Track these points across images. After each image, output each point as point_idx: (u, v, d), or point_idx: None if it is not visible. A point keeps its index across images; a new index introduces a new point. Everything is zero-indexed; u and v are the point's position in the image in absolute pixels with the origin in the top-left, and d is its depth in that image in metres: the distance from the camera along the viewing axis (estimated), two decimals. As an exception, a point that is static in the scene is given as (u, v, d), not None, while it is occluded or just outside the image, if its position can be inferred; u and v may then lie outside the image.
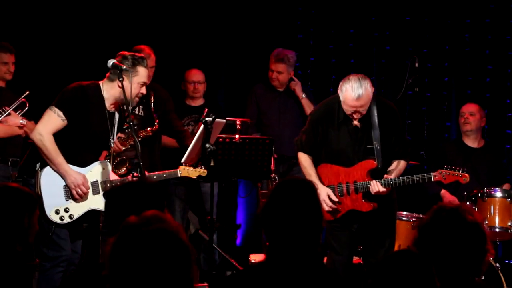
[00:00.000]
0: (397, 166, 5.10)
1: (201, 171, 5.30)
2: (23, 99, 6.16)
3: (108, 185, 4.85)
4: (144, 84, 4.79)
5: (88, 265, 5.31)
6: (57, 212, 4.68)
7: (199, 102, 6.88)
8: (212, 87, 7.37)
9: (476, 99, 7.30)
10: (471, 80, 7.69)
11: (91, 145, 4.80)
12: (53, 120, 4.68)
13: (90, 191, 4.79)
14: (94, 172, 4.83)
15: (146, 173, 5.02)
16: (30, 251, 5.43)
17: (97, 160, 4.87)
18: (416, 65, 6.15)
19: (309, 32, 7.89)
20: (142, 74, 4.77)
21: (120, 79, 4.73)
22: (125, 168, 5.10)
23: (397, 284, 2.57)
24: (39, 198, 4.63)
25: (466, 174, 5.10)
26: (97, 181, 4.83)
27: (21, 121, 6.06)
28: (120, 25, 7.22)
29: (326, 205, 4.99)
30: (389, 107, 5.13)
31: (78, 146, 4.76)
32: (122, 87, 4.71)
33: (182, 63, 7.30)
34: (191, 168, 5.27)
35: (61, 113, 4.67)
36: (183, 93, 6.93)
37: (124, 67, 4.75)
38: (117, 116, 4.91)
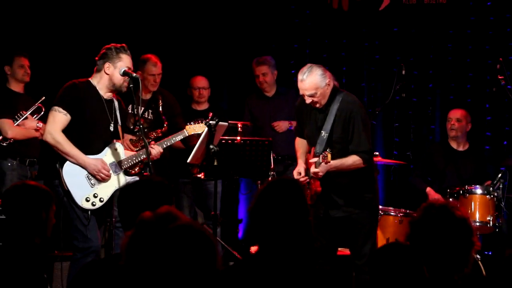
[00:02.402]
0: (343, 158, 4.80)
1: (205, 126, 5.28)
2: (39, 104, 6.19)
3: (126, 162, 4.87)
4: (128, 69, 4.79)
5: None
6: (87, 200, 4.69)
7: (204, 106, 6.87)
8: (216, 93, 7.36)
9: (458, 104, 7.30)
10: (454, 86, 7.69)
11: (97, 132, 4.79)
12: (57, 118, 4.69)
13: (112, 172, 4.80)
14: (109, 155, 4.83)
15: (154, 143, 5.05)
16: (48, 244, 5.42)
17: (107, 145, 4.85)
18: (403, 72, 6.14)
19: (305, 42, 7.88)
20: (125, 60, 4.78)
21: (131, 85, 4.74)
22: (137, 168, 5.07)
23: (388, 273, 2.56)
24: (68, 193, 4.64)
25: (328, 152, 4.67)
26: (114, 161, 4.83)
27: (38, 125, 6.08)
28: (131, 35, 7.20)
29: (297, 178, 4.96)
30: (352, 102, 4.89)
31: (87, 137, 4.75)
32: (133, 93, 4.72)
33: (188, 70, 7.30)
34: (196, 125, 5.35)
35: (61, 109, 4.69)
36: (189, 98, 6.92)
37: (134, 74, 4.78)
38: (116, 103, 4.90)
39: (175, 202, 3.51)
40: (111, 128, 4.83)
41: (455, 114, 6.70)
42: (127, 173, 4.93)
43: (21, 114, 6.11)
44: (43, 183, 4.65)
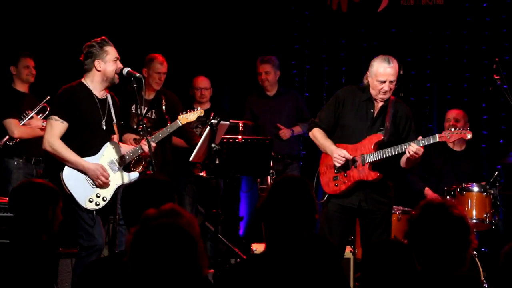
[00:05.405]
0: None
1: (198, 112, 5.32)
2: (44, 104, 6.21)
3: (123, 159, 4.85)
4: (116, 59, 4.77)
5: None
6: (90, 201, 4.67)
7: (206, 106, 6.86)
8: (218, 93, 7.36)
9: (455, 103, 7.28)
10: (451, 86, 7.68)
11: (94, 133, 4.76)
12: (54, 126, 4.67)
13: (111, 171, 4.77)
14: (106, 154, 4.80)
15: (154, 133, 5.05)
16: (55, 241, 5.42)
17: (104, 144, 4.83)
18: (401, 72, 6.10)
19: (305, 43, 7.87)
20: (111, 52, 4.77)
21: (134, 85, 4.73)
22: (141, 166, 5.07)
23: (382, 268, 2.57)
24: (71, 197, 4.62)
25: (469, 131, 4.87)
26: (112, 159, 4.81)
27: (43, 124, 6.08)
28: (134, 36, 7.23)
29: (339, 161, 4.88)
30: (405, 106, 5.11)
31: (85, 138, 4.73)
32: (137, 92, 4.70)
33: (190, 71, 7.30)
34: (189, 114, 5.33)
35: (57, 117, 4.67)
36: (191, 98, 6.92)
37: (138, 74, 4.77)
38: (109, 100, 4.86)
39: (177, 200, 3.50)
40: (104, 127, 4.79)
41: (456, 115, 6.65)
42: (126, 169, 4.91)
43: (26, 114, 6.13)
44: (49, 181, 4.66)
